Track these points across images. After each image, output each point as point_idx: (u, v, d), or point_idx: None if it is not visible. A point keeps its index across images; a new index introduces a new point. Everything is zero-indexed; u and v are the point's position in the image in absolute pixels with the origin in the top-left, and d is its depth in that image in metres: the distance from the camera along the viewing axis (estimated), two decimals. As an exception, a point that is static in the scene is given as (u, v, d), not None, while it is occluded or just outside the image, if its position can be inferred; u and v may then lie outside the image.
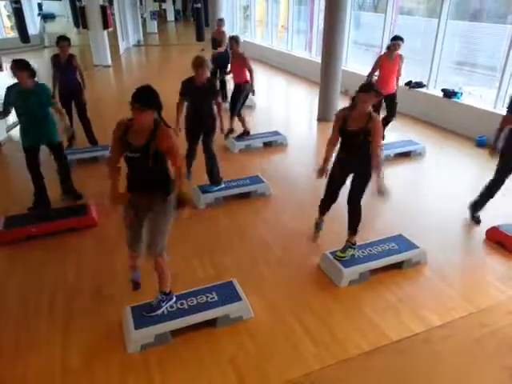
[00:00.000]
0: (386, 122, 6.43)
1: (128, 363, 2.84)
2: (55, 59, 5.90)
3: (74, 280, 3.69)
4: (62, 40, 5.75)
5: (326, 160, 3.76)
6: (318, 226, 4.06)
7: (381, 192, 3.44)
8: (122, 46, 17.27)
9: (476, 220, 4.54)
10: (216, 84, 4.91)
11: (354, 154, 3.54)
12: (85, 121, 6.40)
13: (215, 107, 4.77)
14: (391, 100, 6.40)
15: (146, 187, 2.92)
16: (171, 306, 3.13)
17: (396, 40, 6.09)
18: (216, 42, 8.79)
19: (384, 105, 6.41)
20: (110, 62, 14.08)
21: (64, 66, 5.84)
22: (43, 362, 2.85)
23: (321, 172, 3.75)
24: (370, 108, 3.41)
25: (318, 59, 8.42)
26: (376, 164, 3.39)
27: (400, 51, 6.18)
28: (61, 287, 3.59)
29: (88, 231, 4.42)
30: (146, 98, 2.66)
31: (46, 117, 4.38)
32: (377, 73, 6.38)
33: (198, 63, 4.47)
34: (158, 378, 2.74)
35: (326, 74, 7.88)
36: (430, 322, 3.20)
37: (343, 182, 3.75)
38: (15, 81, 4.24)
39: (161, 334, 2.97)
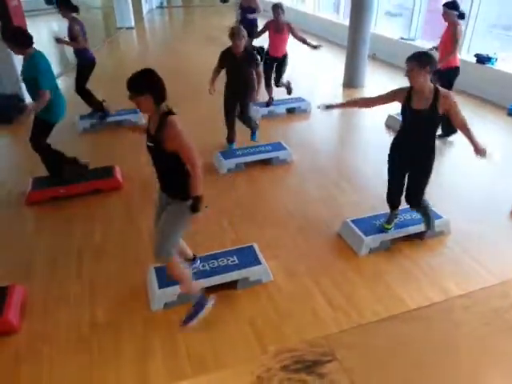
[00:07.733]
0: None
1: (152, 320, 2.97)
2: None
3: (100, 241, 3.82)
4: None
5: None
6: (389, 221, 3.67)
7: (482, 154, 3.08)
8: (145, 7, 17.01)
9: None
10: (254, 53, 4.87)
11: (416, 138, 3.18)
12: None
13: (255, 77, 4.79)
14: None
15: (162, 185, 2.71)
16: (193, 268, 3.21)
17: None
18: (250, 10, 7.81)
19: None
20: (133, 23, 13.93)
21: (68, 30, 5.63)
22: (72, 317, 3.00)
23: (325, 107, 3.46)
24: (430, 83, 2.96)
25: (347, 22, 8.09)
26: (473, 142, 3.06)
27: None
28: (87, 247, 3.73)
29: (113, 193, 4.53)
30: (137, 83, 2.41)
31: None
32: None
33: (233, 33, 4.55)
34: (179, 334, 2.86)
35: (354, 37, 7.59)
36: (451, 292, 3.19)
37: (404, 175, 3.43)
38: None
39: (183, 294, 3.07)
